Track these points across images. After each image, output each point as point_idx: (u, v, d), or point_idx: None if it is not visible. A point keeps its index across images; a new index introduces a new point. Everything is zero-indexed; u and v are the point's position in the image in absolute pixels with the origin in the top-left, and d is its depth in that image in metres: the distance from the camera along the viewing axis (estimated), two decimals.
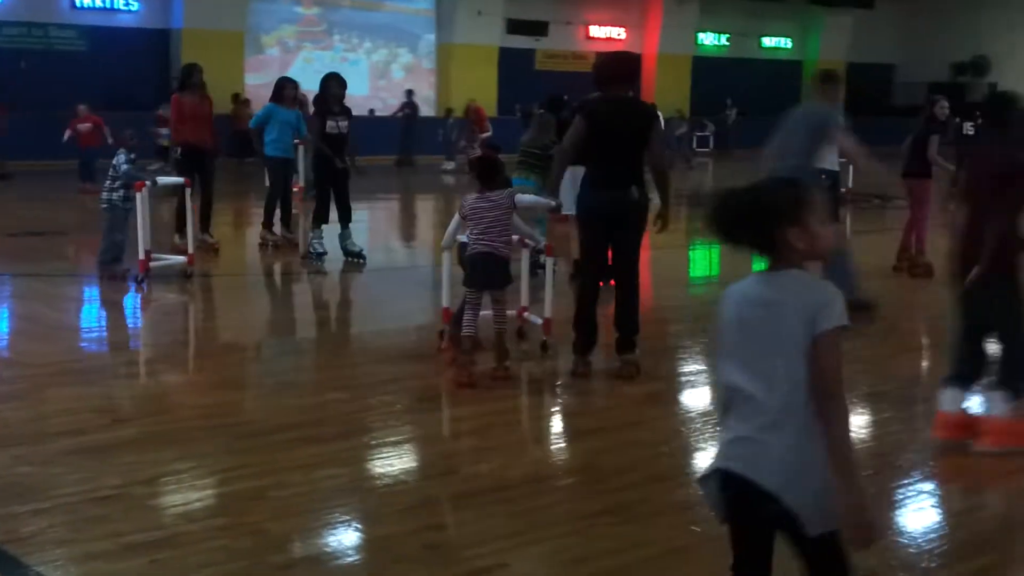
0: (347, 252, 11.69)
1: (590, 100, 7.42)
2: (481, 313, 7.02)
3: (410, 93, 27.84)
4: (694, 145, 32.32)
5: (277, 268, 12.13)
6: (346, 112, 11.63)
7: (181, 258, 10.57)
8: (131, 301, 9.83)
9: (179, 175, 11.42)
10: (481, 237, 6.85)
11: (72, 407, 6.27)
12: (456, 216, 7.20)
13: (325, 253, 11.69)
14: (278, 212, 12.58)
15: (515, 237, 7.28)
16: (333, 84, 11.60)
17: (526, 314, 8.18)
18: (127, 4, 26.17)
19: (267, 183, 12.96)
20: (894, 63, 39.83)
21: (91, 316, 9.68)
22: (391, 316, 9.55)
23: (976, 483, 5.42)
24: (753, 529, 2.98)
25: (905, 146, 11.56)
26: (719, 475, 2.97)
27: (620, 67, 7.34)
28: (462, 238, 7.31)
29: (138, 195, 9.85)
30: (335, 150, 11.39)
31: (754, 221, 2.92)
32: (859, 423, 6.49)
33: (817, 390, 2.86)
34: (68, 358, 7.62)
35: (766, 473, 2.85)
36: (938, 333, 9.36)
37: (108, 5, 25.92)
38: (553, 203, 7.55)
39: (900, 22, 39.77)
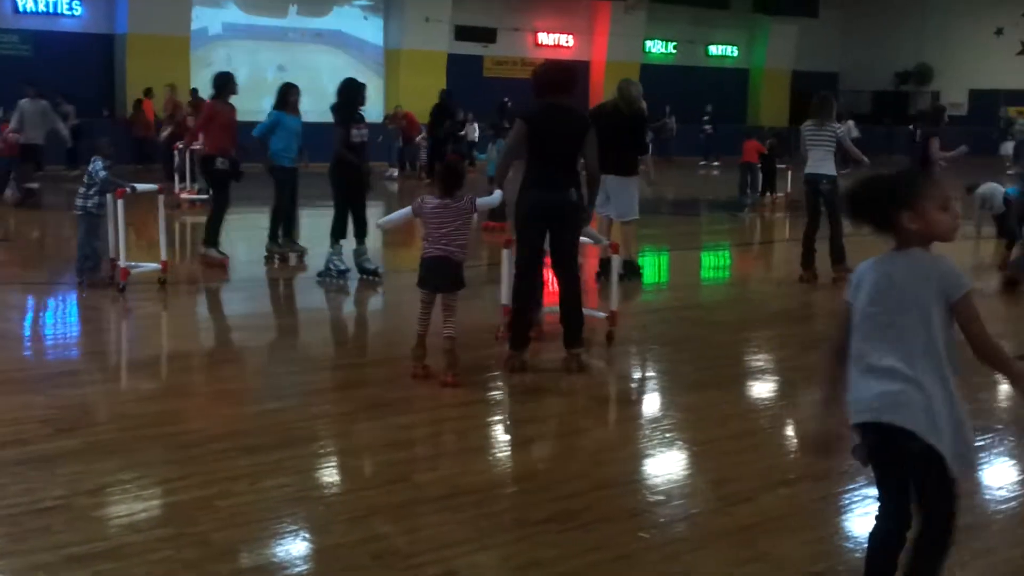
0: (362, 270, 11.13)
1: (530, 106, 7.64)
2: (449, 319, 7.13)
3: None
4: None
5: (261, 277, 11.82)
6: (364, 121, 11.33)
7: (155, 265, 10.47)
8: (78, 309, 9.72)
9: (221, 184, 11.39)
10: (439, 241, 6.97)
11: (15, 416, 6.18)
12: (408, 209, 7.25)
13: (348, 270, 11.10)
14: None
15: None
16: (363, 92, 11.31)
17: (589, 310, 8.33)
18: (71, 9, 25.90)
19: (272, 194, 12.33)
20: (838, 71, 40.33)
21: (36, 324, 9.54)
22: (342, 323, 9.51)
23: None
24: (896, 466, 3.50)
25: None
26: (867, 426, 3.47)
27: (557, 75, 7.61)
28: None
29: (119, 202, 9.84)
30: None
31: (873, 204, 3.46)
32: (806, 428, 6.56)
33: (951, 347, 3.42)
34: (12, 367, 7.52)
35: (910, 418, 3.36)
36: None
37: (51, 10, 25.64)
38: (496, 202, 7.90)
39: (844, 31, 40.31)
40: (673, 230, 16.95)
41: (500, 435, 6.42)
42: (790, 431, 6.55)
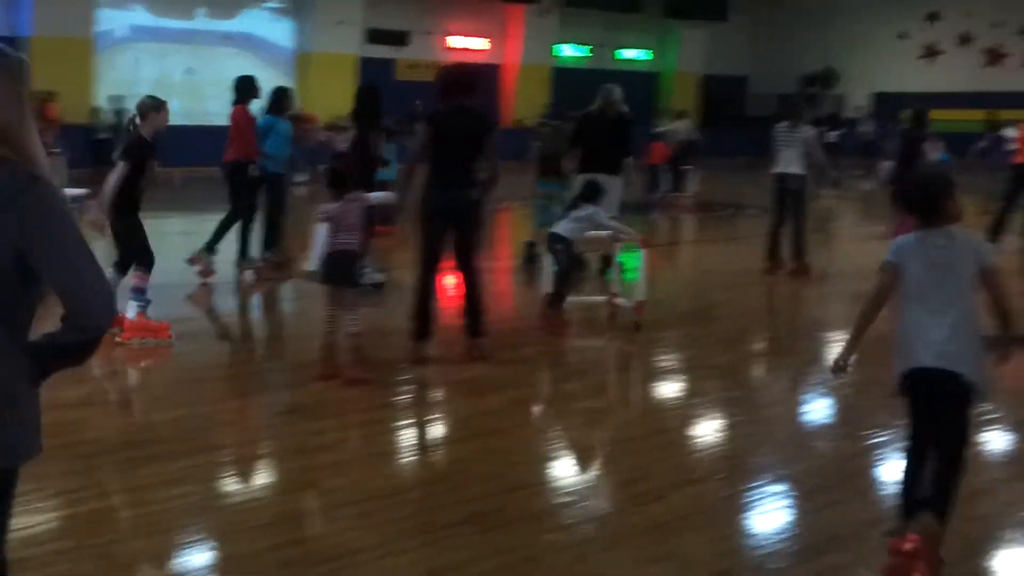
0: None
1: (435, 108, 7.88)
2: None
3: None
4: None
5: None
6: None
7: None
8: None
9: (250, 191, 11.06)
10: (339, 237, 7.12)
11: None
12: (321, 225, 7.24)
13: (384, 282, 10.50)
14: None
15: (596, 233, 9.04)
16: (380, 98, 10.99)
17: (618, 300, 9.27)
18: None
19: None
20: (747, 75, 40.89)
21: None
22: (249, 328, 9.39)
23: (824, 483, 5.56)
24: (936, 402, 4.35)
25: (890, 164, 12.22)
26: (916, 370, 4.34)
27: (460, 78, 7.87)
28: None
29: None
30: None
31: (928, 194, 4.42)
32: (712, 427, 6.64)
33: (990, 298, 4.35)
34: None
35: (953, 361, 4.25)
36: (792, 338, 9.64)
37: None
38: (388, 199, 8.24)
39: (753, 35, 40.88)
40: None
41: (410, 438, 6.38)
42: (699, 429, 6.62)
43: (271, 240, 11.65)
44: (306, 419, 6.49)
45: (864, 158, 27.39)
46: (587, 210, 9.15)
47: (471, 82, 7.83)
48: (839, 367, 4.71)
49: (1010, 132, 15.86)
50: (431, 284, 7.74)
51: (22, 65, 2.66)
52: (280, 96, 11.80)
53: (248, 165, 11.10)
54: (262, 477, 5.62)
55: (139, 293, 8.17)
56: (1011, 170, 14.49)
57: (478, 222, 7.78)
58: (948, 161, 14.28)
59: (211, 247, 10.95)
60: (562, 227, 9.08)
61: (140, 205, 8.21)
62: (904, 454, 4.59)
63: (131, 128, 8.71)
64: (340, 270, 7.15)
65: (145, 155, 8.12)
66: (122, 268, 8.18)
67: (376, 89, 11.09)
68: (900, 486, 4.54)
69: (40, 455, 2.76)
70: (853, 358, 4.73)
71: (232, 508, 5.07)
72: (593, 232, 9.26)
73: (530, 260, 11.73)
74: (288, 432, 6.29)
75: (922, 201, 4.45)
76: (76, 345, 2.64)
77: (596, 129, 10.89)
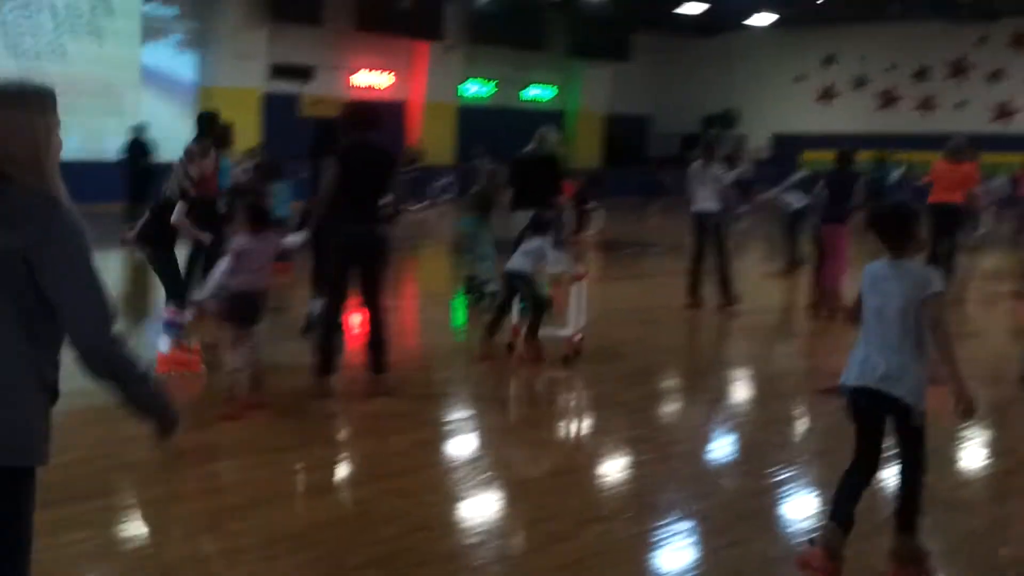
0: None
1: (341, 145, 7.95)
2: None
3: (139, 130, 22.77)
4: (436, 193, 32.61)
5: None
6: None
7: None
8: None
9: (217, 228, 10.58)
10: (251, 275, 7.19)
11: None
12: (228, 261, 7.27)
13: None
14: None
15: (532, 269, 9.05)
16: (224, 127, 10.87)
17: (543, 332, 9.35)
18: None
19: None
20: (651, 114, 41.50)
21: None
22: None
23: (731, 520, 5.59)
24: (876, 423, 4.75)
25: (820, 194, 12.38)
26: (856, 390, 4.73)
27: (365, 114, 8.05)
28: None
29: None
30: None
31: (906, 227, 4.73)
32: (619, 465, 6.65)
33: (928, 327, 4.59)
34: None
35: (893, 382, 4.60)
36: (698, 375, 9.73)
37: None
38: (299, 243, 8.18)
39: (656, 75, 41.52)
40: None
41: (316, 478, 6.28)
42: (606, 467, 6.63)
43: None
44: (208, 460, 6.36)
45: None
46: (536, 242, 9.31)
47: (375, 118, 7.99)
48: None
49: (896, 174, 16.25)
50: (336, 318, 7.85)
51: (50, 97, 2.88)
52: (225, 132, 11.50)
53: (216, 202, 10.86)
54: (163, 520, 5.47)
55: (171, 327, 8.30)
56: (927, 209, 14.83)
57: (385, 257, 7.92)
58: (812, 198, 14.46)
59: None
60: (516, 262, 9.22)
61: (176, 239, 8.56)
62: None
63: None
64: (251, 308, 7.19)
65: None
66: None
67: (214, 116, 10.75)
68: (835, 494, 4.90)
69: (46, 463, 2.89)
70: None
71: (131, 554, 4.94)
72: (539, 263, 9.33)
73: (470, 291, 12.27)
74: (190, 474, 6.14)
75: (901, 233, 4.72)
76: (79, 361, 2.83)
77: (530, 168, 11.39)
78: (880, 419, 4.75)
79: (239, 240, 7.28)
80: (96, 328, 2.81)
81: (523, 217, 10.47)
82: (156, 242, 8.42)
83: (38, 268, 2.74)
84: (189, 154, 9.19)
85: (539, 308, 9.26)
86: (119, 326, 2.88)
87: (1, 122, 2.79)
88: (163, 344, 8.28)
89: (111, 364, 2.88)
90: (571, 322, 9.42)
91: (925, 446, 4.76)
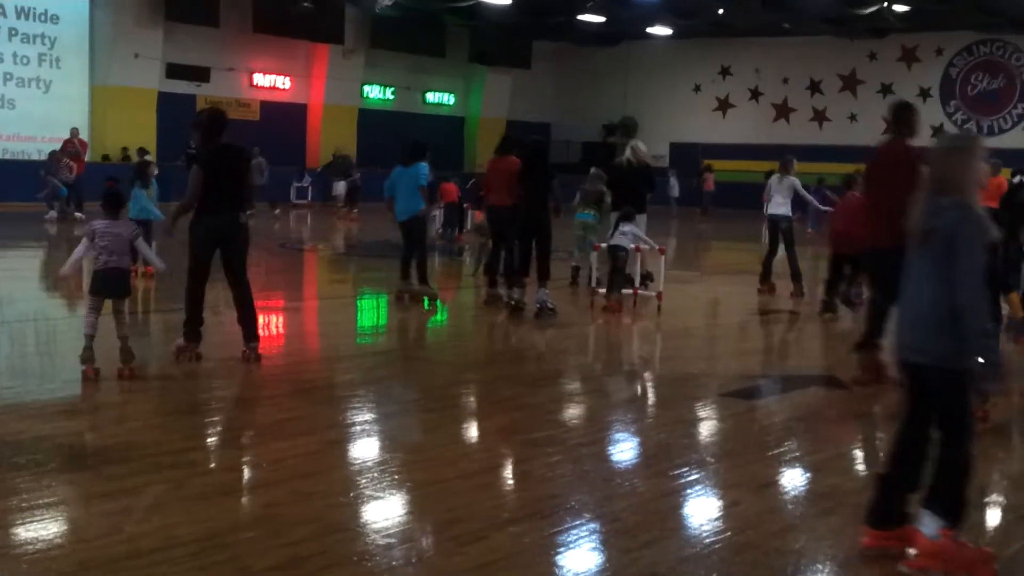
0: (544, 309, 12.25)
1: (202, 150, 9.18)
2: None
3: None
4: (292, 197, 32.30)
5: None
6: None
7: None
8: None
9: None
10: (112, 255, 8.13)
11: None
12: (84, 241, 8.24)
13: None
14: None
15: (632, 246, 12.98)
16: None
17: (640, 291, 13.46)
18: None
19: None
20: (551, 122, 41.70)
21: None
22: (30, 372, 8.86)
23: (642, 521, 5.58)
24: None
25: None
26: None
27: (218, 121, 9.13)
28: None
29: None
30: None
31: None
32: (530, 467, 6.61)
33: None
34: None
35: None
36: (605, 377, 9.75)
37: None
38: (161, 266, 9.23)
39: (556, 83, 41.78)
40: (393, 273, 16.88)
41: (221, 481, 6.10)
42: (517, 469, 6.58)
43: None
44: (107, 463, 6.15)
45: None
46: (629, 227, 12.91)
47: (225, 122, 9.16)
48: None
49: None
50: (201, 294, 8.96)
51: None
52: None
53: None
54: (61, 524, 5.27)
55: None
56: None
57: (245, 241, 9.10)
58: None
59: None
60: (618, 240, 12.85)
61: None
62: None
63: None
64: (113, 285, 8.17)
65: None
66: None
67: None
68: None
69: None
70: None
71: (27, 557, 4.73)
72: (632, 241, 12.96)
73: (576, 283, 14.96)
74: (88, 476, 5.94)
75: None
76: None
77: (626, 176, 14.03)
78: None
79: (95, 222, 8.26)
80: None
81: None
82: None
83: None
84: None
85: (621, 274, 12.93)
86: None
87: None
88: None
89: None
90: (658, 283, 13.40)
91: None
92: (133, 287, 8.77)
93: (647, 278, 14.14)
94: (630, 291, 13.25)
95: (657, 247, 13.42)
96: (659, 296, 13.13)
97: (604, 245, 13.21)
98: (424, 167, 12.67)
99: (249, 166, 9.20)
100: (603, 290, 13.06)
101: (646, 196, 14.15)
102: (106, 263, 8.13)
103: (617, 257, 12.79)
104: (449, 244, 21.32)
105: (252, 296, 9.11)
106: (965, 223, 4.68)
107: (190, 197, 8.83)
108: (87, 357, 8.06)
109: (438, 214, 22.38)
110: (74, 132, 26.49)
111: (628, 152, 14.18)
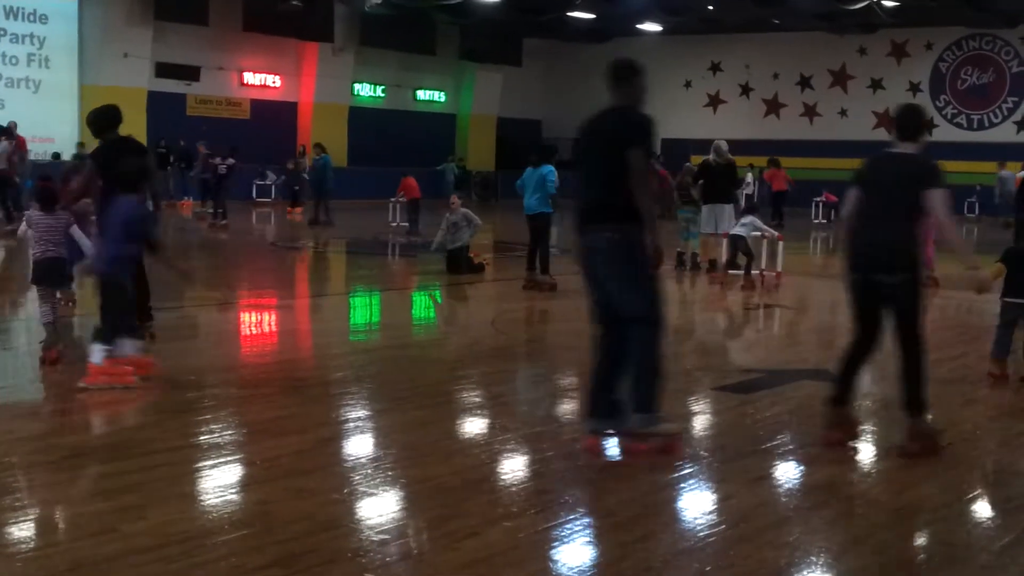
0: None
1: (98, 146, 9.48)
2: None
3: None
4: (254, 195, 32.02)
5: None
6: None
7: None
8: None
9: None
10: (49, 245, 8.63)
11: None
12: (22, 226, 9.21)
13: None
14: None
15: (755, 233, 15.53)
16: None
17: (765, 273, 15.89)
18: None
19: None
20: (541, 119, 41.72)
21: None
22: (21, 372, 8.84)
23: (636, 515, 5.59)
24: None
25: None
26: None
27: (112, 116, 9.41)
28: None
29: None
30: None
31: None
32: (524, 462, 6.61)
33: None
34: None
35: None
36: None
37: None
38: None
39: (546, 80, 41.78)
40: (384, 271, 16.93)
41: (217, 478, 6.09)
42: (511, 465, 6.58)
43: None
44: (101, 461, 6.15)
45: None
46: (749, 218, 15.46)
47: (119, 117, 9.44)
48: None
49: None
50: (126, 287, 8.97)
51: None
52: None
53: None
54: (55, 523, 5.27)
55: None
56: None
57: (153, 229, 8.97)
58: None
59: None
60: (739, 230, 15.36)
61: None
62: None
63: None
64: (53, 273, 8.66)
65: None
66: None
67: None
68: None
69: None
70: None
71: (22, 556, 4.72)
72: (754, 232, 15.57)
73: (681, 264, 17.04)
74: (82, 475, 5.94)
75: None
76: None
77: (713, 172, 16.29)
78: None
79: (30, 214, 8.85)
80: None
81: (709, 209, 16.21)
82: None
83: None
84: None
85: (749, 255, 15.33)
86: None
87: None
88: (95, 356, 7.81)
89: None
90: (778, 265, 16.05)
91: None
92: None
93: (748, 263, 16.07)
94: (741, 272, 15.47)
95: (776, 235, 16.17)
96: (778, 276, 15.78)
97: (731, 232, 15.64)
98: (550, 169, 13.81)
99: (147, 157, 9.51)
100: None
101: (731, 190, 16.79)
102: (44, 252, 8.63)
103: (738, 245, 15.29)
104: (412, 239, 21.64)
105: (146, 280, 9.34)
106: None
107: (77, 191, 9.42)
108: (50, 342, 8.45)
109: (398, 208, 24.09)
110: (12, 126, 24.06)
111: (712, 153, 16.36)
